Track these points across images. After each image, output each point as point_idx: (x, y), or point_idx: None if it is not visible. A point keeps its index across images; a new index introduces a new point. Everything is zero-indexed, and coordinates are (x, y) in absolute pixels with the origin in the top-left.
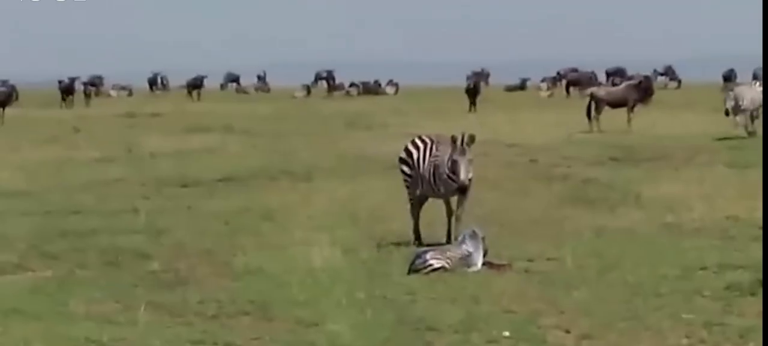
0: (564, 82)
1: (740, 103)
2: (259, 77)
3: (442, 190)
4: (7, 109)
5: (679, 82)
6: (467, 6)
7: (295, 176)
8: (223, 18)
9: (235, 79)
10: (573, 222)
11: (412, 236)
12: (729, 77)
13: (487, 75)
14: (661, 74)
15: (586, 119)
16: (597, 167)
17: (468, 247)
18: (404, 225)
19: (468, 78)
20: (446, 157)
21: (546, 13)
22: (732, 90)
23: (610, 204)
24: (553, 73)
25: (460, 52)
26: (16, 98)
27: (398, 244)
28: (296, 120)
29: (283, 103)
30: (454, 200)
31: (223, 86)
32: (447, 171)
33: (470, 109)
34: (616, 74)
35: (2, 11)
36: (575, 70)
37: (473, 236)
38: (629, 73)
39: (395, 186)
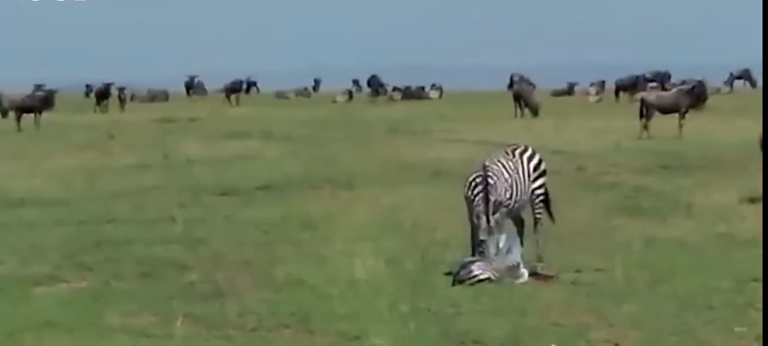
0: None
1: None
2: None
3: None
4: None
5: (754, 84)
6: (515, 9)
7: (336, 183)
8: (263, 21)
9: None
10: (622, 232)
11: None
12: None
13: (533, 86)
14: (737, 78)
15: (635, 125)
16: (647, 175)
17: (514, 257)
18: (449, 234)
19: (514, 83)
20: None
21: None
22: None
23: (661, 213)
24: (602, 77)
25: (506, 55)
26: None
27: (443, 254)
28: (338, 126)
29: (325, 108)
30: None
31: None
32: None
33: (516, 115)
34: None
35: (33, 14)
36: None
37: (511, 239)
38: (698, 77)
39: (440, 194)
